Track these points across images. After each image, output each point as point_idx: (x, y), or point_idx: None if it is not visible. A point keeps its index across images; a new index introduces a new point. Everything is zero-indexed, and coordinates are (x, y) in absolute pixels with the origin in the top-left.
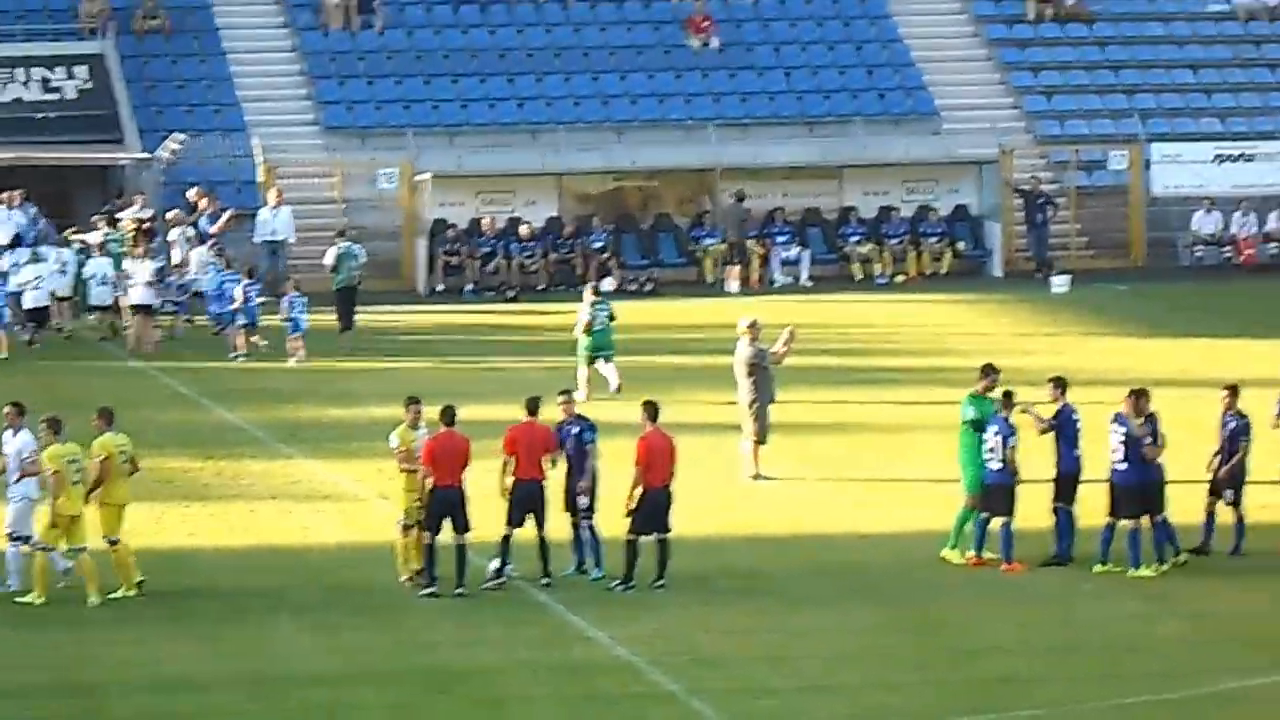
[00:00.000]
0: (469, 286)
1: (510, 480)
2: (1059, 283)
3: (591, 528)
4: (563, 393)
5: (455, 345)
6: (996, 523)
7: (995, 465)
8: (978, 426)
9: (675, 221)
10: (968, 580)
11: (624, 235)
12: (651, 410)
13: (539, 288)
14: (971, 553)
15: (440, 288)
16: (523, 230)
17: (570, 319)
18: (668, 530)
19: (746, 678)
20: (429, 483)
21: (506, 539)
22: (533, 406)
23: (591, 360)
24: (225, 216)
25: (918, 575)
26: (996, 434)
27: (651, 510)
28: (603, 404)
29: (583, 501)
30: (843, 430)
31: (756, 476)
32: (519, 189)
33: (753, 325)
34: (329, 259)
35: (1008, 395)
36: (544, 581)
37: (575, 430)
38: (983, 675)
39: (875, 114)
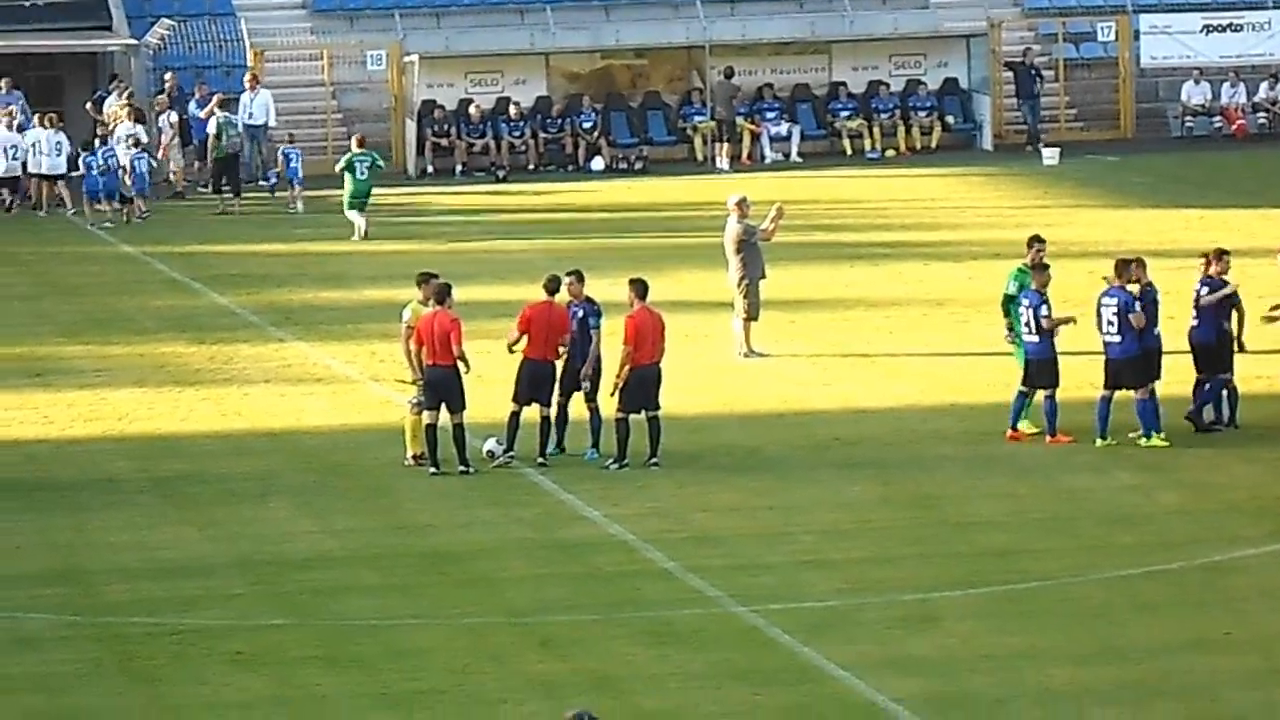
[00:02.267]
0: (458, 167)
1: (518, 357)
2: (1049, 155)
3: (596, 409)
4: (570, 273)
5: (447, 226)
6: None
7: (1032, 338)
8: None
9: (665, 99)
10: (963, 454)
11: (613, 114)
12: (640, 288)
13: (529, 167)
14: (1026, 425)
15: (430, 169)
16: (512, 110)
17: (563, 198)
18: (657, 408)
19: (742, 554)
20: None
21: (514, 416)
22: (553, 287)
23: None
24: (213, 101)
25: (911, 449)
26: (1028, 306)
27: (640, 387)
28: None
29: (585, 386)
30: (834, 306)
31: (748, 354)
32: (507, 69)
33: (742, 202)
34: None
35: (1040, 266)
36: (539, 461)
37: (579, 313)
38: (977, 549)
39: None
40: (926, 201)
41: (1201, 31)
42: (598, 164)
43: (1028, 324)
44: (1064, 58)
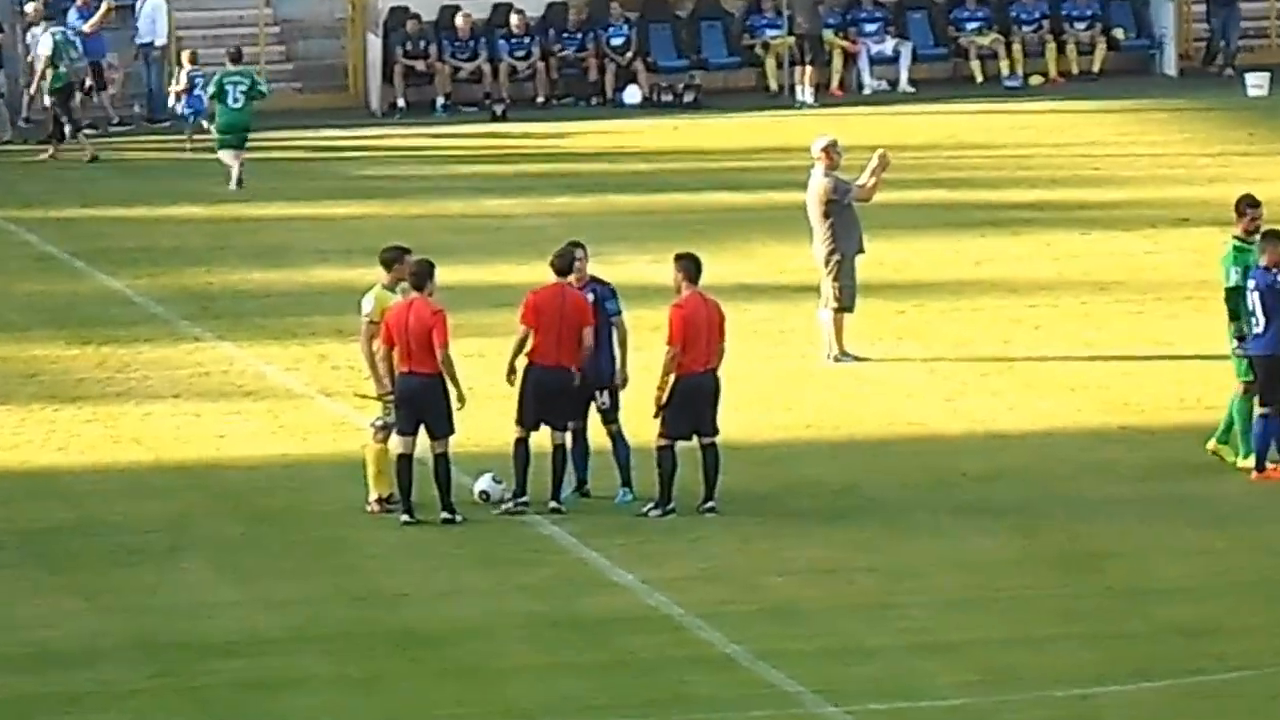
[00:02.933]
0: (440, 100)
1: (522, 363)
2: (1256, 83)
3: (619, 433)
4: (572, 244)
5: (424, 183)
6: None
7: (1259, 330)
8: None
9: (724, 7)
10: (1136, 495)
11: (653, 27)
12: (690, 267)
13: (537, 100)
14: (1250, 459)
15: (401, 102)
16: (513, 21)
17: (584, 142)
18: (715, 432)
19: (832, 633)
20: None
21: (520, 445)
22: (564, 264)
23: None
24: (100, 11)
25: (1065, 489)
26: (1254, 289)
27: (690, 404)
28: (617, 265)
29: (603, 400)
30: (959, 291)
31: (840, 356)
32: None
33: (831, 148)
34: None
35: (1270, 235)
36: (552, 507)
37: (590, 299)
38: (1156, 625)
39: None
40: (1085, 146)
41: None
42: (632, 95)
43: (1253, 314)
44: None
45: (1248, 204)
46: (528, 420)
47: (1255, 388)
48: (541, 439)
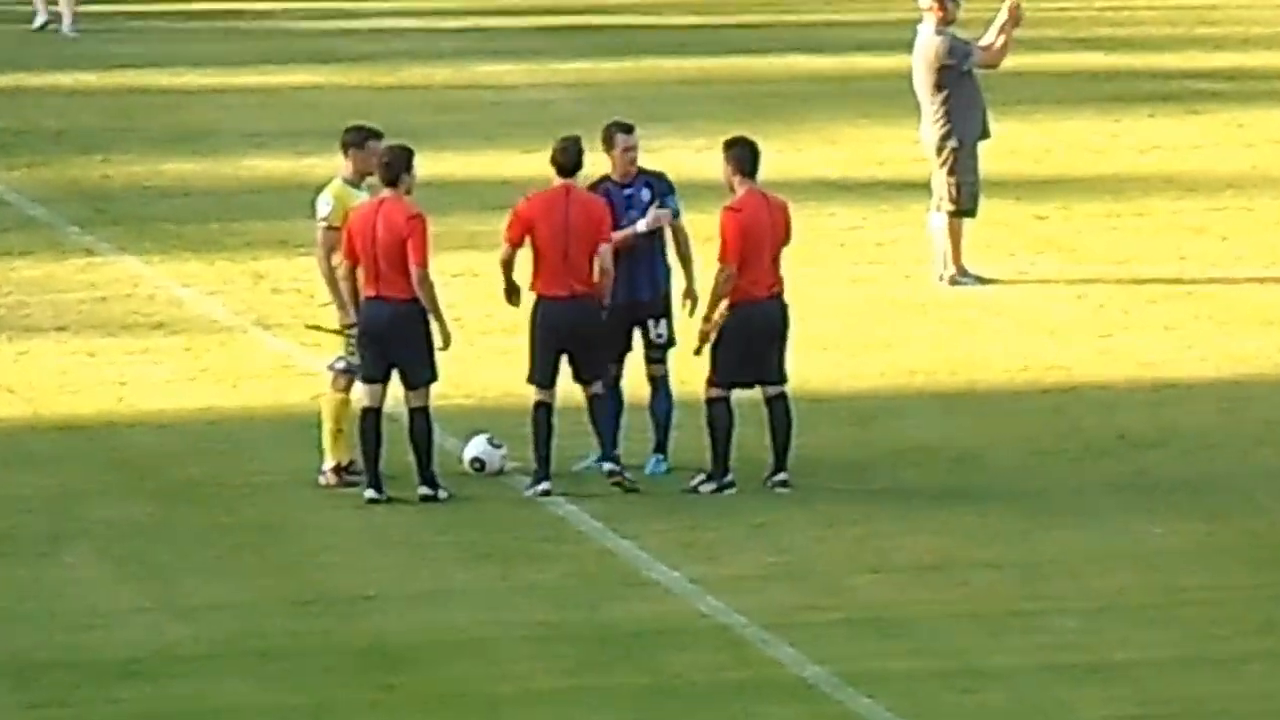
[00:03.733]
0: None
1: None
2: None
3: (664, 378)
4: (614, 126)
5: (396, 41)
6: None
7: None
8: None
9: None
10: None
11: None
12: (744, 158)
13: None
14: None
15: None
16: None
17: None
18: (785, 379)
19: (948, 650)
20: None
21: (540, 409)
22: (569, 160)
23: None
24: None
25: (1258, 460)
26: None
27: (752, 342)
28: (655, 154)
29: (658, 330)
30: (1118, 190)
31: (957, 277)
32: None
33: None
34: None
35: None
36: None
37: (645, 195)
38: None
39: None
40: None
41: None
42: None
43: None
44: None
45: None
46: (541, 375)
47: None
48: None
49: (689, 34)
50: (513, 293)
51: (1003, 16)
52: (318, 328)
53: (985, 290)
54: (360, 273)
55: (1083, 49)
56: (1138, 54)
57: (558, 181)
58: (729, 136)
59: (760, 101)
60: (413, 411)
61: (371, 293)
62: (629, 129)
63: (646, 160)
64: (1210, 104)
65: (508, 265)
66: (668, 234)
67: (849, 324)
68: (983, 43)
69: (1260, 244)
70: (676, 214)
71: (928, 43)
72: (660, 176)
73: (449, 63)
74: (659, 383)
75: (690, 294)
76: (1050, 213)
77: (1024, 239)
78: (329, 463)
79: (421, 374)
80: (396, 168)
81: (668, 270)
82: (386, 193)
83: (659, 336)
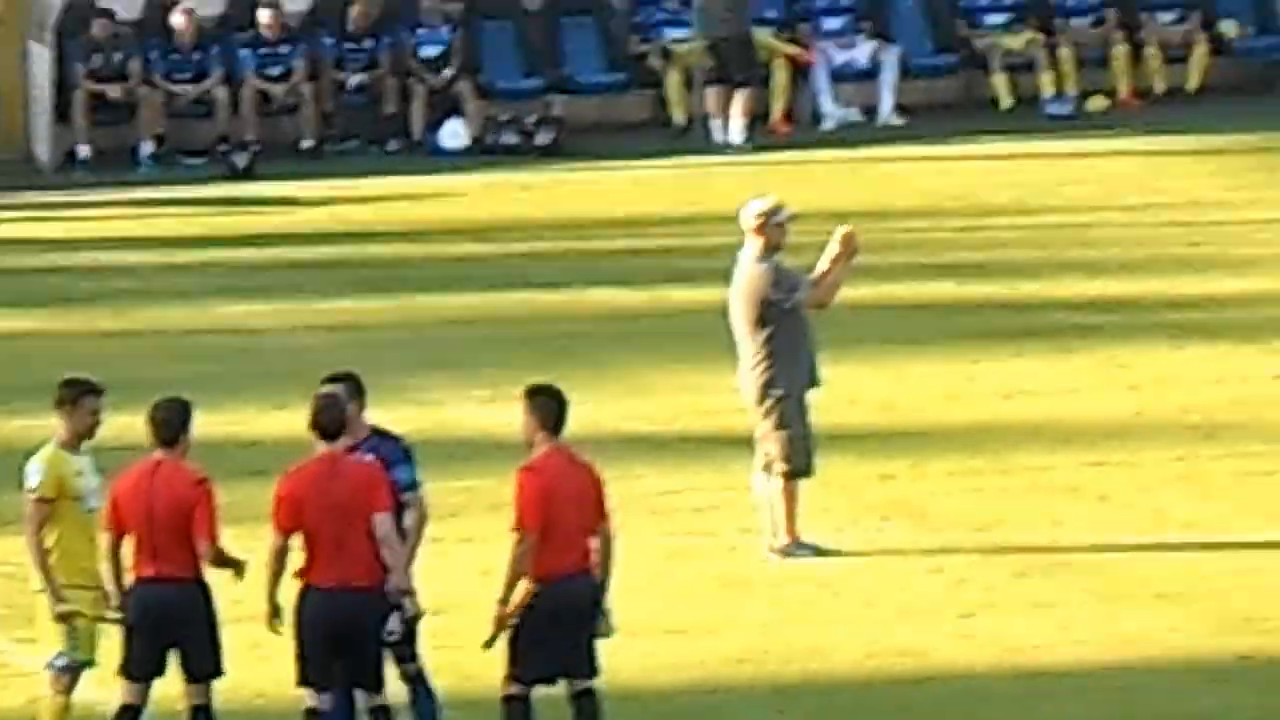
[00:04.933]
0: (147, 148)
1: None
2: None
3: (419, 675)
4: (335, 378)
5: (124, 278)
6: None
7: None
8: None
9: None
10: None
11: (487, 26)
12: (549, 410)
13: (302, 145)
14: None
15: (84, 151)
16: (263, 19)
17: (379, 212)
18: (594, 672)
19: None
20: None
21: (312, 717)
22: (332, 422)
23: None
24: None
25: None
26: None
27: (557, 627)
28: (431, 407)
29: (393, 625)
30: (977, 442)
31: (789, 548)
32: None
33: (771, 219)
34: None
35: None
36: None
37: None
38: None
39: None
40: (1178, 209)
41: None
42: (454, 136)
43: None
44: None
45: None
46: (313, 676)
47: None
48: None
49: (468, 266)
50: (275, 615)
51: (834, 246)
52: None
53: (824, 564)
54: (131, 548)
55: (933, 277)
56: (998, 283)
57: (321, 448)
58: (530, 384)
59: (553, 344)
60: (194, 710)
61: (148, 573)
62: (344, 380)
63: (408, 416)
64: (1086, 339)
65: (279, 558)
66: None
67: (664, 606)
68: (814, 275)
69: (1146, 505)
70: (411, 485)
71: (749, 273)
72: (390, 436)
73: (187, 303)
74: (413, 683)
75: (403, 588)
76: (899, 471)
77: (868, 502)
78: None
79: (208, 663)
80: (174, 425)
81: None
82: (160, 454)
83: (390, 633)
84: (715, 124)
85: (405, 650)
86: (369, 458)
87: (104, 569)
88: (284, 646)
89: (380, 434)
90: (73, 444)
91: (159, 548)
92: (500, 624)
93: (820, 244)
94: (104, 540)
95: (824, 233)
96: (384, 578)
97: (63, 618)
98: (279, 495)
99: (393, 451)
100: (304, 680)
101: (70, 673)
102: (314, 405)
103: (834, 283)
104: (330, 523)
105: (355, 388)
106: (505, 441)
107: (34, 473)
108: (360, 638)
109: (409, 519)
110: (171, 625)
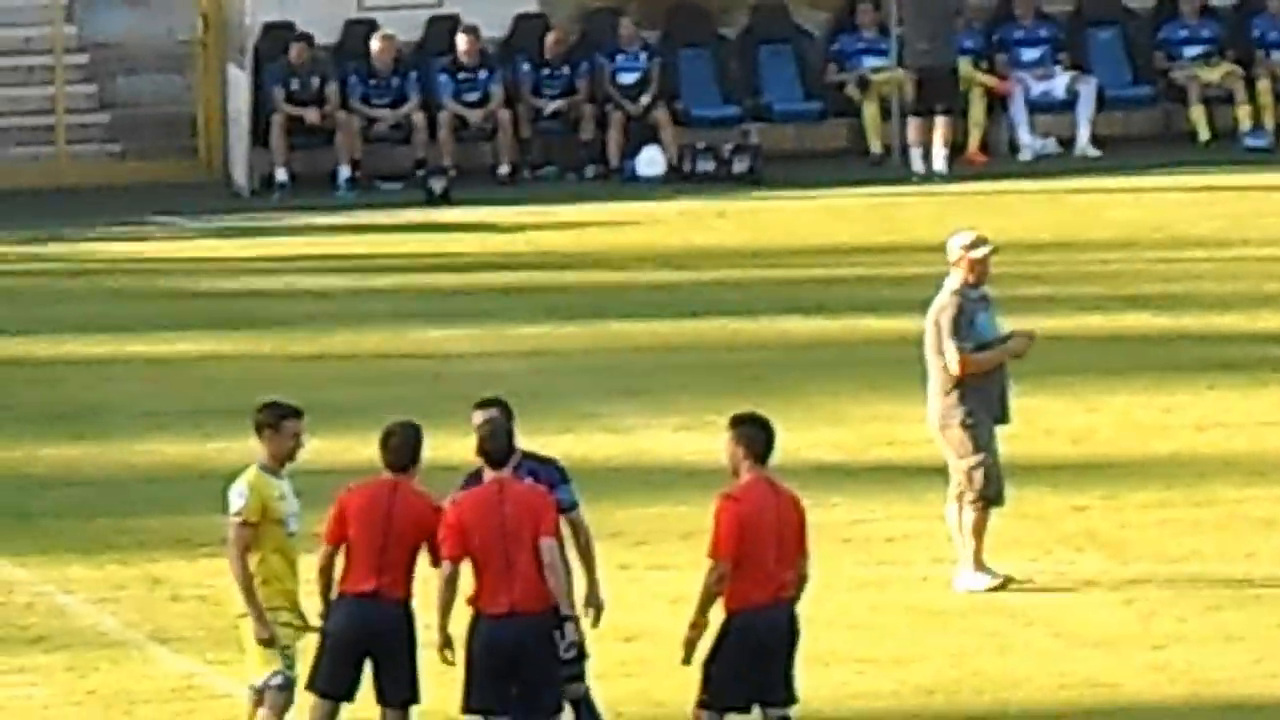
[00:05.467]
0: (344, 172)
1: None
2: None
3: (585, 695)
4: (486, 403)
5: (318, 303)
6: None
7: None
8: None
9: (797, 23)
10: None
11: (684, 54)
12: (756, 439)
13: (500, 170)
14: None
15: (282, 175)
16: (461, 44)
17: (577, 238)
18: (792, 700)
19: None
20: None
21: None
22: (402, 455)
23: None
24: None
25: None
26: None
27: (752, 656)
28: (623, 434)
29: (567, 644)
30: (1172, 474)
31: (979, 578)
32: None
33: (969, 251)
34: None
35: None
36: None
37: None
38: None
39: None
40: None
41: None
42: (651, 163)
43: None
44: None
45: None
46: (488, 702)
47: None
48: None
49: (663, 293)
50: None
51: (1016, 342)
52: (247, 619)
53: (1015, 594)
54: (345, 560)
55: (1129, 308)
56: (1195, 315)
57: (488, 475)
58: (737, 413)
59: (747, 372)
60: None
61: (366, 588)
62: (493, 404)
63: (602, 442)
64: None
65: (451, 587)
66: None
67: (856, 635)
68: (1011, 343)
69: None
70: (573, 505)
71: (940, 303)
72: (541, 459)
73: (381, 327)
74: (579, 706)
75: (594, 600)
76: (1092, 503)
77: (1061, 534)
78: None
79: (405, 689)
80: (408, 452)
81: (567, 570)
82: (395, 477)
83: (567, 650)
84: (915, 153)
85: (572, 670)
86: (531, 482)
87: (318, 580)
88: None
89: (534, 458)
90: (274, 467)
91: (384, 567)
92: (690, 645)
93: (1017, 275)
94: (323, 551)
95: (1020, 263)
96: (552, 602)
97: (268, 641)
98: (448, 522)
99: (551, 474)
100: (468, 708)
101: (286, 691)
102: (480, 432)
103: (986, 360)
104: (499, 548)
105: (507, 412)
106: (698, 469)
107: (237, 496)
108: (531, 661)
109: (574, 540)
110: (376, 643)
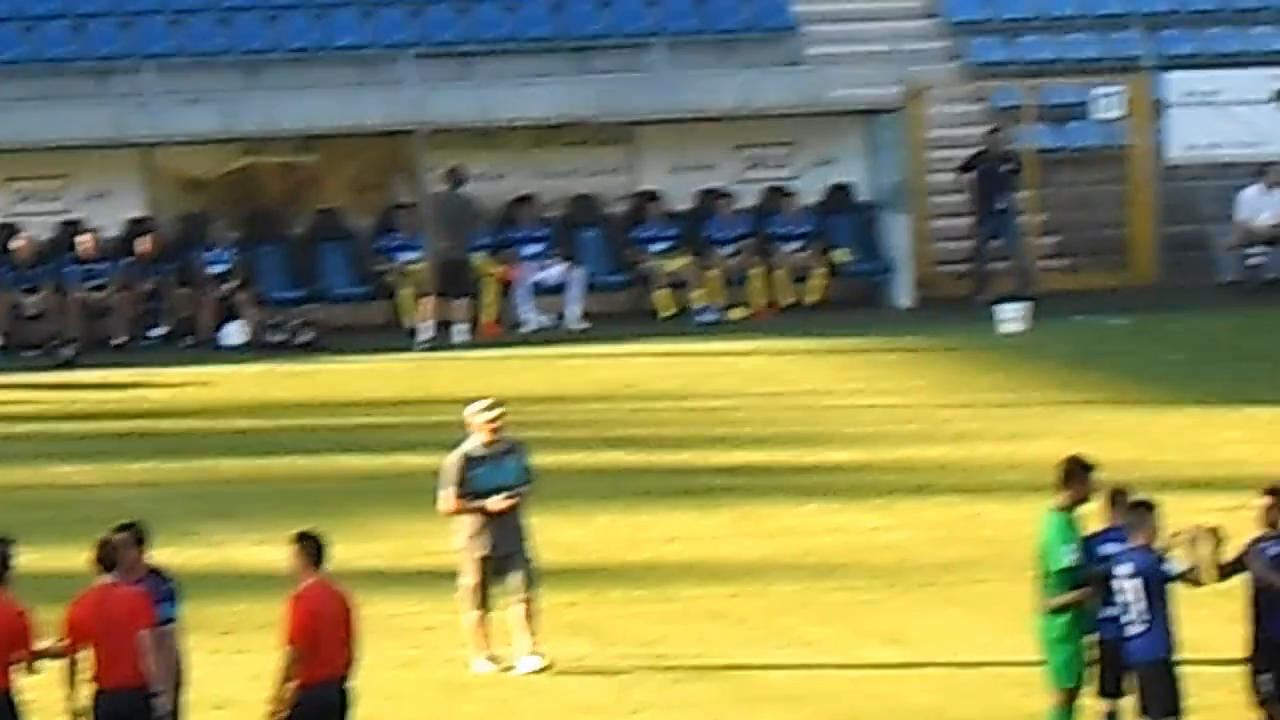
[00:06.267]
0: None
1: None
2: (1009, 316)
3: None
4: (122, 529)
5: None
6: None
7: (1136, 628)
8: (1078, 572)
9: (348, 224)
10: None
11: (262, 249)
12: (311, 550)
13: (114, 341)
14: None
15: None
16: (83, 243)
17: (175, 394)
18: None
19: None
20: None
21: None
22: (109, 556)
23: None
24: None
25: None
26: (1133, 574)
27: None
28: (215, 547)
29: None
30: (642, 578)
31: (490, 662)
32: (78, 171)
33: (486, 415)
34: None
35: (1141, 505)
36: None
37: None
38: None
39: (690, 31)
40: (801, 396)
41: (1273, 101)
42: (234, 334)
43: (1128, 603)
44: (1037, 148)
45: (1076, 470)
46: None
47: (1107, 694)
48: None
49: (245, 436)
50: (73, 678)
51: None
52: None
53: (519, 678)
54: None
55: (608, 448)
56: (660, 453)
57: (99, 579)
58: (298, 530)
59: (312, 498)
60: None
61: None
62: (127, 529)
63: (196, 556)
64: (727, 498)
65: (71, 662)
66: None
67: (397, 704)
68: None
69: (777, 628)
70: (169, 620)
71: (451, 458)
72: (159, 574)
73: (22, 464)
74: None
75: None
76: (581, 599)
77: (557, 623)
78: None
79: None
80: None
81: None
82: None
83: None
84: (428, 325)
85: None
86: (137, 588)
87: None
88: None
89: (156, 573)
90: None
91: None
92: (272, 715)
93: (522, 422)
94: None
95: (524, 413)
96: (150, 679)
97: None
98: (68, 619)
99: (162, 584)
100: None
101: None
102: (97, 545)
103: (471, 508)
104: (113, 637)
105: (137, 535)
106: (274, 575)
107: None
108: None
109: (171, 645)
110: None
